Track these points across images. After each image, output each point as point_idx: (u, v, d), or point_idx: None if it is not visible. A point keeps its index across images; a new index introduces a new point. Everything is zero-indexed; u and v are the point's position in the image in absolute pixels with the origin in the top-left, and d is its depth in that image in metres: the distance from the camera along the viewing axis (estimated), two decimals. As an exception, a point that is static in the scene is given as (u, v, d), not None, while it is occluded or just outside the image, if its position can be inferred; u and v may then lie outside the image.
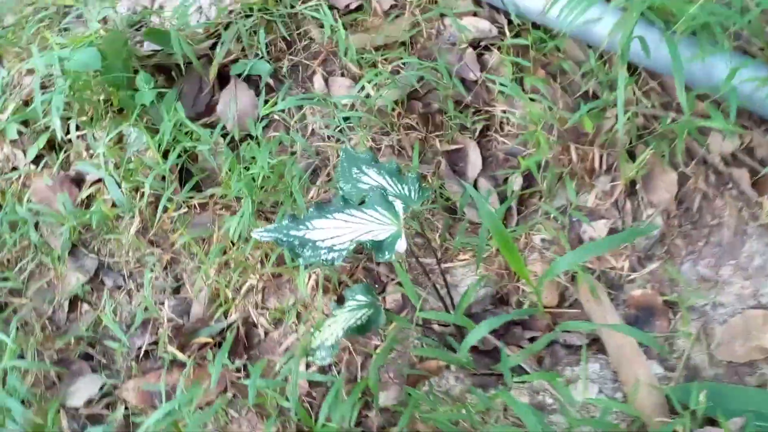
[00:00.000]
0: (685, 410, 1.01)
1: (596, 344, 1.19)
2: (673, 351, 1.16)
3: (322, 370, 1.23)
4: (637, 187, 1.27)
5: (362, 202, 1.00)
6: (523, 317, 1.28)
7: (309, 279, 1.29)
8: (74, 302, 1.48)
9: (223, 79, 1.56)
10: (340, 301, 1.27)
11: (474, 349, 1.23)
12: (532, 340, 1.22)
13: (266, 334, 1.34)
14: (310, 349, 1.09)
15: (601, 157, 1.30)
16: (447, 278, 1.20)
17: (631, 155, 1.28)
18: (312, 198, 1.38)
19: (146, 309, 1.37)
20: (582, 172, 1.30)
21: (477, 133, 1.40)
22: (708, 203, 1.24)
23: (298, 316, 1.32)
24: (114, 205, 1.49)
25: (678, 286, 1.20)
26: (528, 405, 1.08)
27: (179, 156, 1.44)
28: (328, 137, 1.45)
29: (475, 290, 1.21)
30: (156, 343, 1.38)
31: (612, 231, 1.25)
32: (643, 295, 1.20)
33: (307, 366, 1.24)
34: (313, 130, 1.47)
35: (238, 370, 1.29)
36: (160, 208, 1.41)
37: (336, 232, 0.97)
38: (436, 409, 1.13)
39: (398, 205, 0.97)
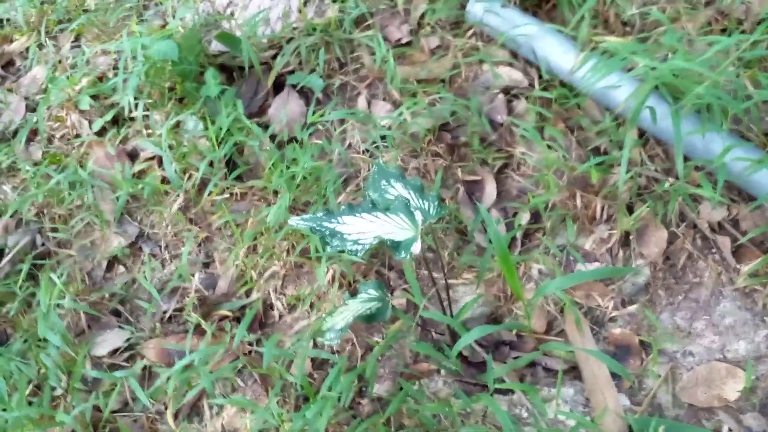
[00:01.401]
0: (641, 437, 1.14)
1: (574, 371, 1.32)
2: (641, 388, 1.29)
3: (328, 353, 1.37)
4: (631, 238, 1.42)
5: (387, 209, 1.16)
6: (512, 338, 1.42)
7: (327, 272, 1.44)
8: (112, 263, 1.64)
9: (278, 87, 1.74)
10: (353, 294, 1.42)
11: (464, 360, 1.37)
12: (517, 359, 1.35)
13: (281, 316, 1.49)
14: (320, 330, 1.24)
15: (602, 207, 1.45)
16: (450, 293, 1.35)
17: (630, 210, 1.43)
18: (341, 203, 1.54)
19: (179, 276, 1.53)
20: (584, 217, 1.45)
21: (496, 169, 1.56)
22: (692, 262, 1.38)
23: (312, 305, 1.47)
24: (164, 181, 1.66)
25: (655, 331, 1.34)
26: (506, 411, 1.22)
27: (230, 147, 1.61)
28: (364, 151, 1.61)
29: (474, 305, 1.35)
30: (181, 309, 1.53)
31: (602, 273, 1.40)
32: (622, 334, 1.33)
33: (314, 346, 1.38)
34: (350, 144, 1.64)
35: (250, 344, 1.44)
36: (207, 191, 1.58)
37: (362, 228, 1.13)
38: (422, 404, 1.26)
39: (418, 216, 1.13)
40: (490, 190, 1.53)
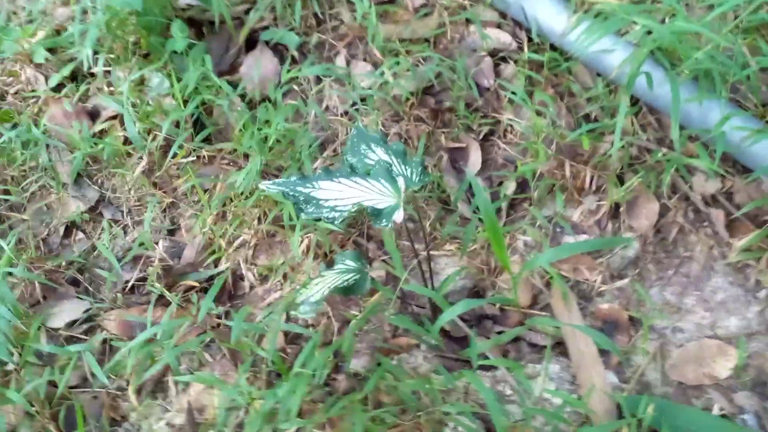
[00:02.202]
0: (633, 418, 1.09)
1: (560, 347, 1.27)
2: (629, 366, 1.24)
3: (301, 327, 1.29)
4: (621, 210, 1.35)
5: (367, 174, 1.07)
6: (495, 313, 1.35)
7: (302, 242, 1.35)
8: (70, 229, 1.53)
9: (250, 43, 1.63)
10: (330, 265, 1.34)
11: (445, 335, 1.31)
12: (500, 334, 1.29)
13: (251, 288, 1.40)
14: (294, 303, 1.15)
15: (592, 177, 1.38)
16: (431, 264, 1.27)
17: (620, 180, 1.36)
18: (317, 168, 1.44)
19: (141, 244, 1.42)
20: (572, 187, 1.38)
21: (481, 136, 1.48)
22: (683, 236, 1.33)
23: (285, 276, 1.38)
24: (126, 142, 1.54)
25: (644, 306, 1.29)
26: (490, 388, 1.16)
27: (197, 107, 1.50)
28: (342, 114, 1.52)
29: (456, 277, 1.28)
30: (144, 279, 1.43)
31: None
32: (610, 309, 1.28)
33: (288, 319, 1.30)
34: (327, 106, 1.54)
35: (218, 317, 1.35)
36: (171, 152, 1.47)
37: (340, 195, 1.04)
38: (402, 380, 1.20)
39: (401, 182, 1.04)
40: (475, 157, 1.45)
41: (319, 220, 1.01)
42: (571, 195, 1.39)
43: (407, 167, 1.14)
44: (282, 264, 1.38)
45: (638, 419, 1.09)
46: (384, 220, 0.99)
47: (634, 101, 1.41)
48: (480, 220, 1.32)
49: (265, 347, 1.21)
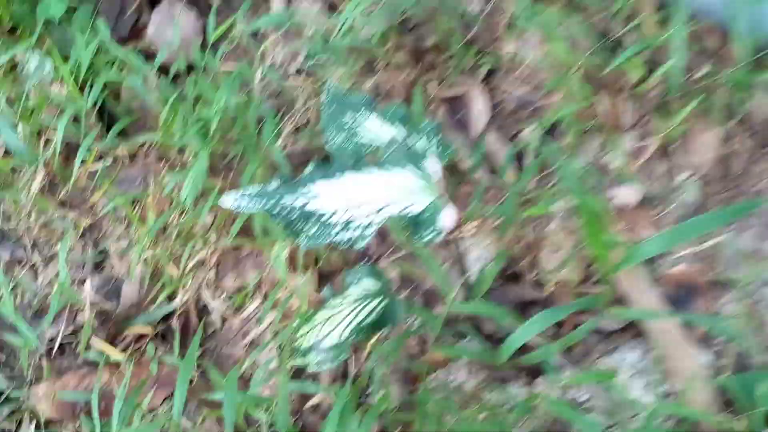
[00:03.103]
0: (742, 403, 0.86)
1: (633, 328, 1.02)
2: (713, 336, 1.01)
3: (312, 375, 0.98)
4: (671, 147, 1.09)
5: (357, 160, 0.75)
6: (537, 294, 1.08)
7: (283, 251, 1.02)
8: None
9: (153, -5, 1.22)
10: (323, 278, 1.02)
11: (485, 335, 1.03)
12: (572, 332, 1.02)
13: (224, 321, 1.07)
14: (298, 349, 0.84)
15: (631, 110, 1.10)
16: (459, 252, 0.98)
17: (667, 111, 1.09)
18: (287, 149, 1.10)
19: (62, 286, 1.05)
20: (608, 127, 1.10)
21: (481, 78, 1.16)
22: (750, 166, 1.08)
23: (266, 295, 1.06)
24: (7, 153, 1.13)
25: (719, 262, 1.05)
26: (568, 405, 0.90)
27: (101, 90, 1.10)
28: (297, 72, 1.16)
29: (497, 268, 0.99)
30: (75, 333, 1.07)
31: (644, 197, 1.07)
32: (683, 272, 1.03)
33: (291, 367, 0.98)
34: (274, 64, 1.18)
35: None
36: (78, 159, 1.07)
37: (348, 200, 0.71)
38: (451, 409, 0.92)
39: (433, 163, 0.73)
40: (481, 106, 1.14)
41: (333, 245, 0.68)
42: (608, 136, 1.11)
43: (420, 138, 0.82)
44: (258, 283, 1.05)
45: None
46: (429, 230, 0.67)
47: (659, 5, 1.12)
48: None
49: (275, 422, 0.89)
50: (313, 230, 0.68)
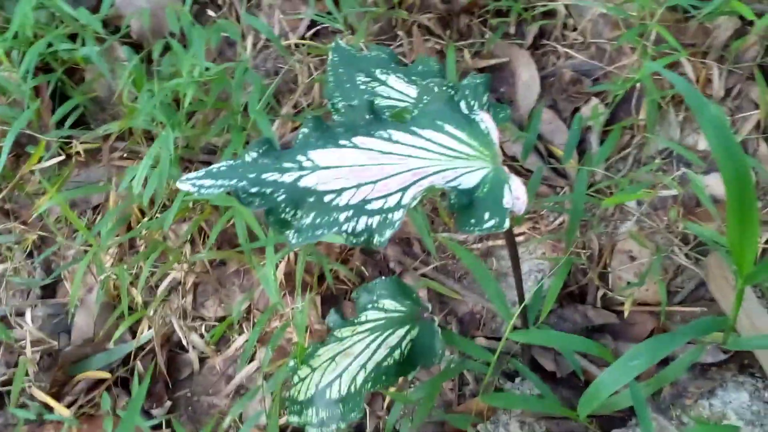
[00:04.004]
0: None
1: (736, 358, 0.75)
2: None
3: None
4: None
5: (375, 119, 0.51)
6: (601, 319, 0.82)
7: (277, 267, 0.77)
8: None
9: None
10: (328, 301, 0.77)
11: (543, 373, 0.77)
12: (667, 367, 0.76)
13: (202, 360, 0.81)
14: (293, 401, 0.58)
15: (720, 75, 0.85)
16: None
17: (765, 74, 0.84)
18: (283, 137, 0.86)
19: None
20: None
21: (529, 43, 0.92)
22: None
23: (253, 324, 0.80)
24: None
25: None
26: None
27: (48, 72, 0.87)
28: (296, 46, 0.93)
29: (560, 282, 0.73)
30: (10, 383, 0.82)
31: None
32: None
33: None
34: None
35: (156, 428, 0.76)
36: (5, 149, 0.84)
37: (365, 174, 0.46)
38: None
39: (488, 122, 0.48)
40: (528, 77, 0.89)
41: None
42: (689, 111, 0.86)
43: (462, 99, 0.57)
44: (246, 310, 0.80)
45: None
46: (487, 214, 0.42)
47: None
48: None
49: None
50: (309, 218, 0.44)
